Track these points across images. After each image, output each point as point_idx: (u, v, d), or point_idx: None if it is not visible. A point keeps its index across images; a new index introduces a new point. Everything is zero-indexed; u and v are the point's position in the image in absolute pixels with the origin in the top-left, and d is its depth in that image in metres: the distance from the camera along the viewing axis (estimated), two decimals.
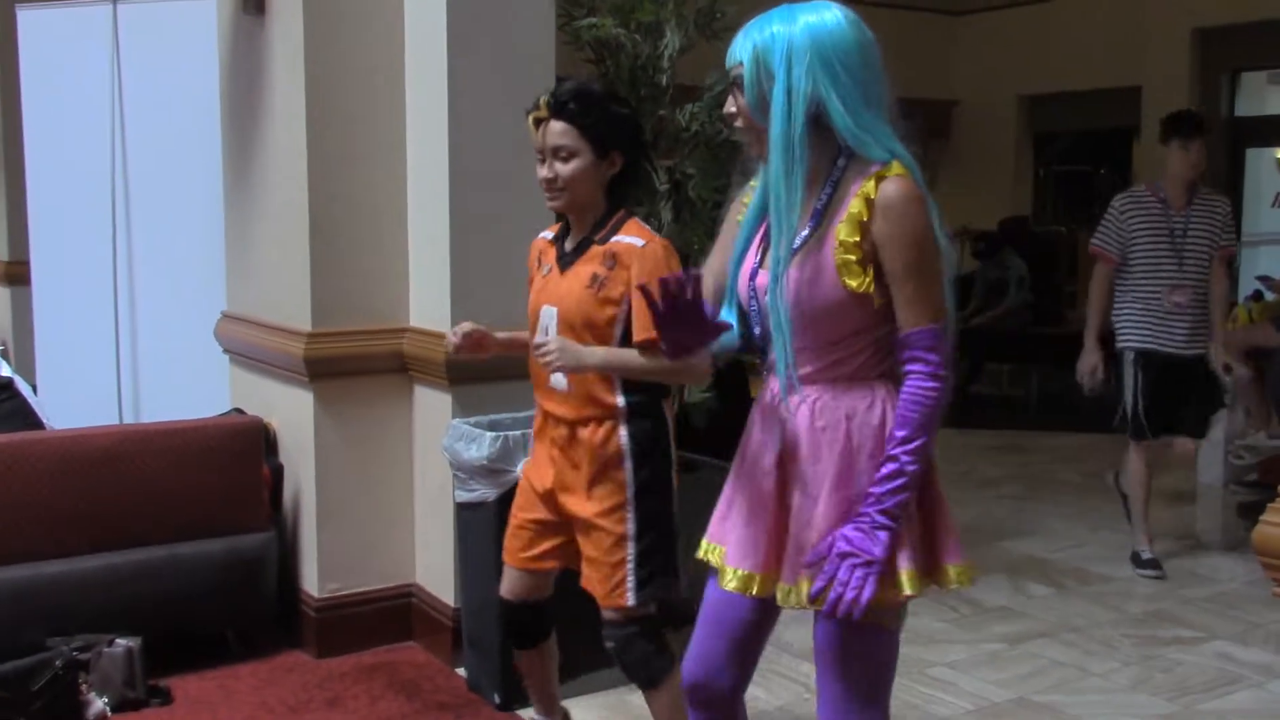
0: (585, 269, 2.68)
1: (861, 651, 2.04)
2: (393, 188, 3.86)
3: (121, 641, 3.44)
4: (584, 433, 2.70)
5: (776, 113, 1.96)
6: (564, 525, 2.79)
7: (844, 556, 1.91)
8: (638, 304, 2.51)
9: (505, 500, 3.31)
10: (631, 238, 2.66)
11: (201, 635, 3.80)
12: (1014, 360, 9.28)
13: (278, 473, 3.99)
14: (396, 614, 3.96)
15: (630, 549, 2.67)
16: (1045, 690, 3.69)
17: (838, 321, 1.99)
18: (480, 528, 3.43)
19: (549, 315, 2.72)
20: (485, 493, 3.37)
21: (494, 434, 3.33)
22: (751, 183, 2.13)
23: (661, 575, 2.70)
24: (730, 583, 2.10)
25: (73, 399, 4.86)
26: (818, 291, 1.97)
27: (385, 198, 3.86)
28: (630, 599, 2.67)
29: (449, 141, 3.62)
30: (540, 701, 3.13)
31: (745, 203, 2.15)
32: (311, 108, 3.74)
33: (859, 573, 1.90)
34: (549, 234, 2.87)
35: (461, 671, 3.68)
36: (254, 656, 3.82)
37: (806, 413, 2.03)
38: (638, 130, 2.75)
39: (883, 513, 1.92)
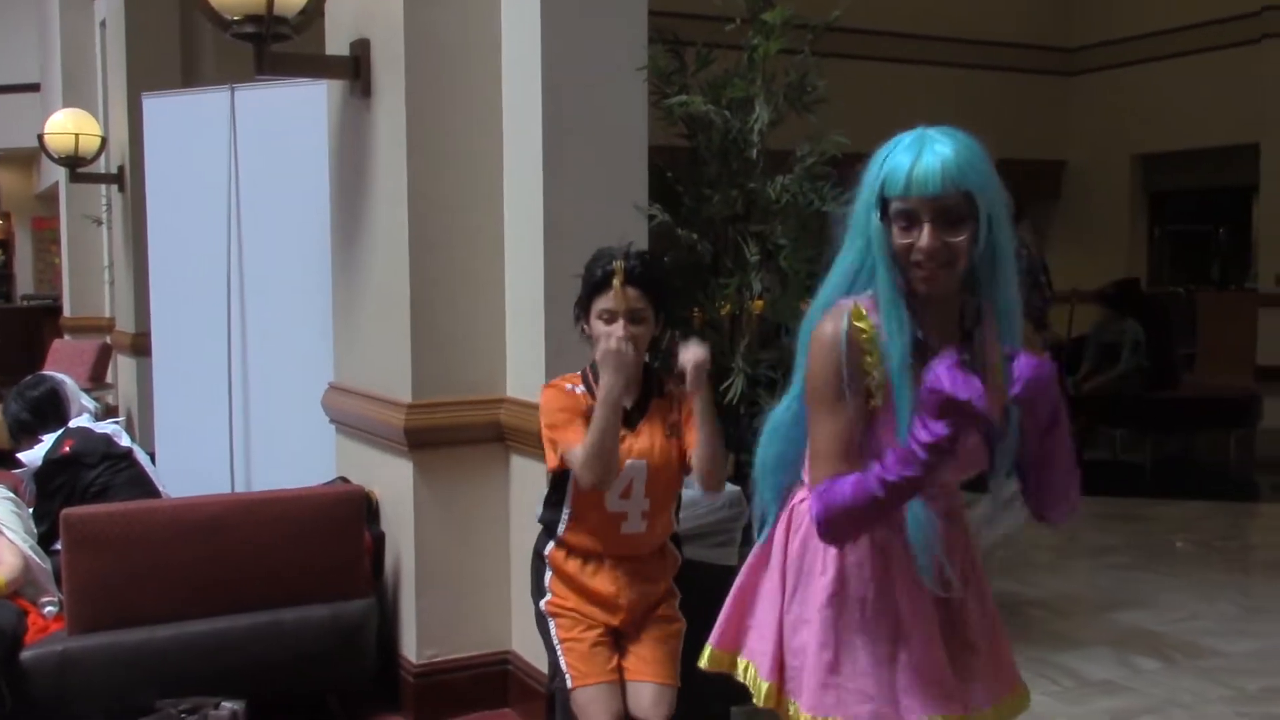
0: (657, 421, 2.91)
1: None
2: (490, 264, 3.97)
3: (227, 704, 3.53)
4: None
5: (1005, 248, 1.89)
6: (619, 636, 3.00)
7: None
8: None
9: None
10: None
11: (304, 699, 3.89)
12: (1128, 426, 9.08)
13: (379, 540, 4.10)
14: (493, 681, 4.01)
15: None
16: None
17: None
18: None
19: (637, 469, 2.88)
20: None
21: None
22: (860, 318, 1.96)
23: None
24: None
25: (188, 467, 5.05)
26: None
27: (483, 274, 3.96)
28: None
29: (544, 218, 3.71)
30: None
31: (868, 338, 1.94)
32: (412, 188, 3.87)
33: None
34: (575, 387, 2.95)
35: None
36: None
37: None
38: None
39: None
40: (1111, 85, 13.74)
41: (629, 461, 2.86)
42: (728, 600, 2.23)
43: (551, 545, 3.00)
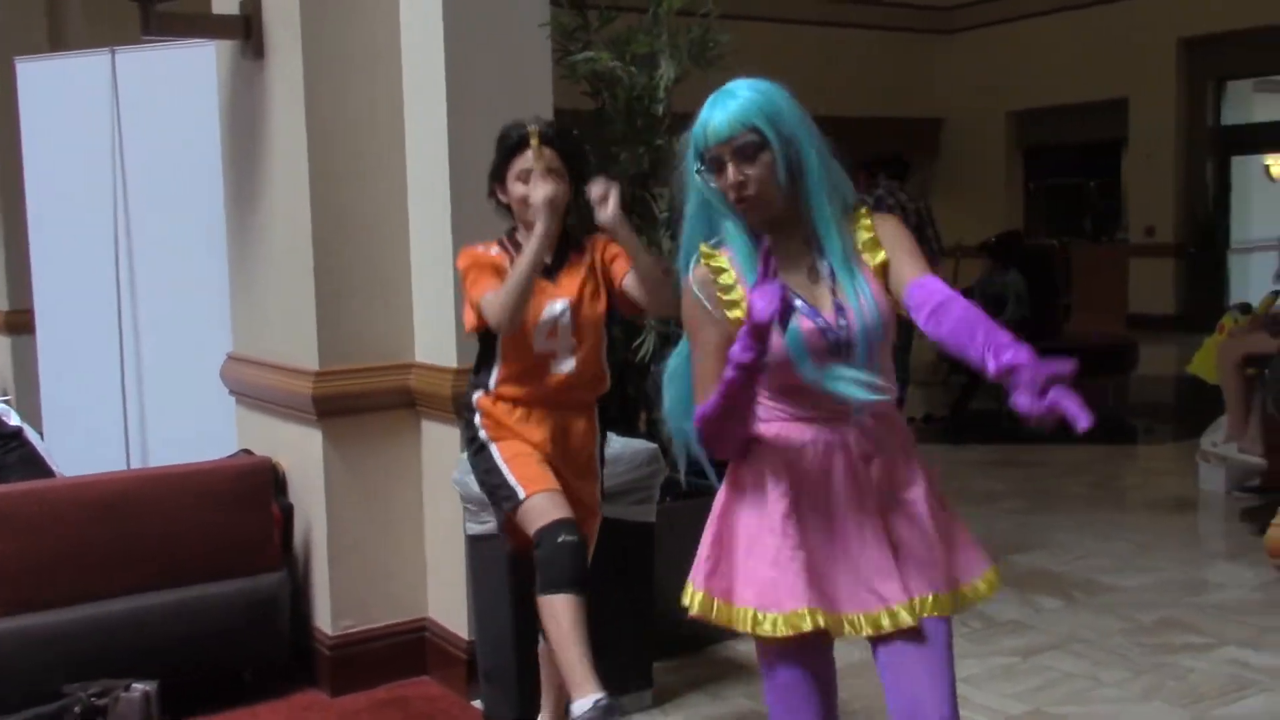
0: (576, 269, 3.00)
1: None
2: (395, 226, 3.90)
3: (138, 686, 3.44)
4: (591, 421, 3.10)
5: (813, 166, 2.11)
6: None
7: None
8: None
9: None
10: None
11: (218, 677, 3.81)
12: None
13: (287, 512, 4.01)
14: (410, 648, 3.97)
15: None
16: (1059, 702, 3.71)
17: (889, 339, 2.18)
18: (492, 559, 3.45)
19: (559, 307, 2.95)
20: (496, 524, 3.39)
21: None
22: (715, 262, 2.15)
23: None
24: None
25: (80, 445, 4.88)
26: (886, 313, 2.15)
27: (387, 236, 3.89)
28: None
29: (449, 179, 3.66)
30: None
31: (722, 284, 2.14)
32: (312, 149, 3.78)
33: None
34: (490, 249, 3.03)
35: (477, 704, 3.70)
36: (271, 696, 3.83)
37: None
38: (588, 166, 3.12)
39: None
40: (986, 43, 14.03)
41: (549, 303, 2.94)
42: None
43: (479, 393, 3.02)
